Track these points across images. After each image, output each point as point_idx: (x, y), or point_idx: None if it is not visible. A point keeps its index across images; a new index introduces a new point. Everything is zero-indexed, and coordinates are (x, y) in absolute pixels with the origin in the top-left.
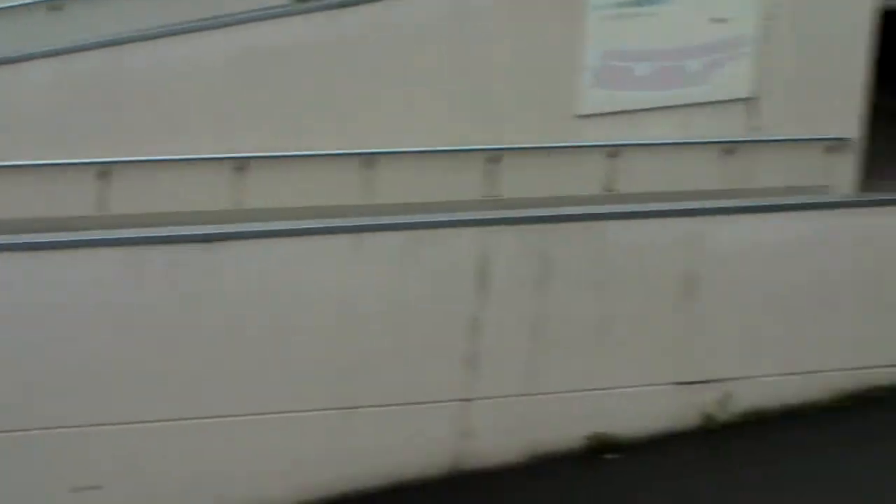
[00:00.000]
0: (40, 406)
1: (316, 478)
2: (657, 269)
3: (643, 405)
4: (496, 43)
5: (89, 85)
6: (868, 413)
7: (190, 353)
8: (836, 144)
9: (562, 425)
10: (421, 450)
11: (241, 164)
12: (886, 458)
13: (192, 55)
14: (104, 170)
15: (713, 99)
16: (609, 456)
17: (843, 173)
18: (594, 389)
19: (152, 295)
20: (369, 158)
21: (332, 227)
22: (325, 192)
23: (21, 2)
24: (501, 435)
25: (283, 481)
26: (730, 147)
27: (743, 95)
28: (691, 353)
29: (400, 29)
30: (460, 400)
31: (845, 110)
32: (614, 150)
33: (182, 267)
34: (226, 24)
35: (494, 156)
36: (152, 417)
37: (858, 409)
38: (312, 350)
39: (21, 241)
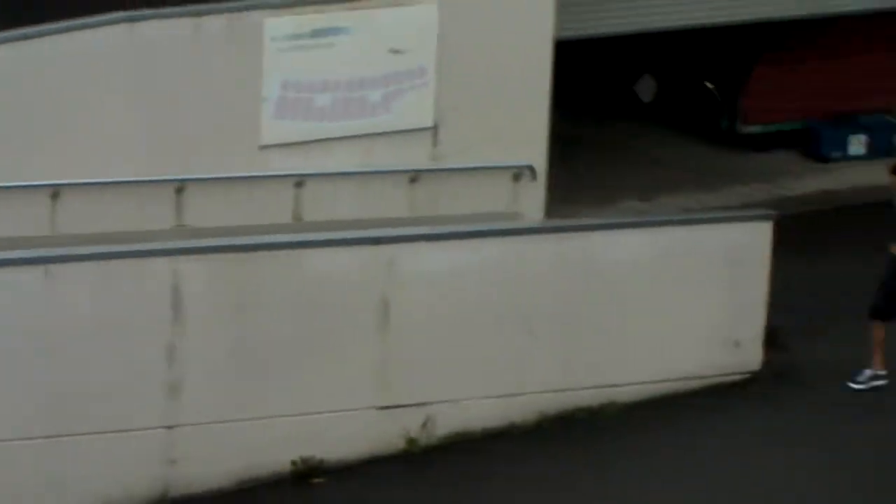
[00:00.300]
0: None
1: None
2: (352, 296)
3: (347, 429)
4: (180, 74)
5: None
6: (569, 434)
7: None
8: (522, 172)
9: (268, 451)
10: (128, 477)
11: None
12: (584, 478)
13: None
14: None
15: (395, 128)
16: (316, 480)
17: (532, 199)
18: (298, 415)
19: None
20: (56, 189)
21: (22, 259)
22: (12, 224)
23: None
24: (208, 461)
25: None
26: (414, 175)
27: (425, 125)
28: (391, 377)
29: (83, 59)
30: (164, 427)
31: (530, 138)
32: (300, 180)
33: None
34: None
35: (182, 186)
36: None
37: (560, 431)
38: (14, 380)
39: None
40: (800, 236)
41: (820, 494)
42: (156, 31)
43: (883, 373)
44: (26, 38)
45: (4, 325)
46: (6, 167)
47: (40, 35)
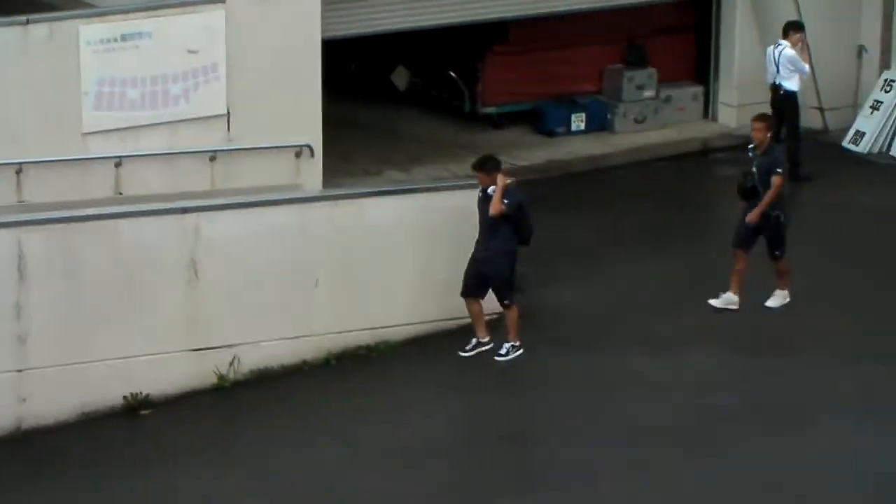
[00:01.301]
0: None
1: None
2: (166, 258)
3: (168, 369)
4: (12, 75)
5: None
6: (347, 367)
7: None
8: (301, 150)
9: (102, 388)
10: None
11: None
12: (362, 401)
13: None
14: None
15: (194, 116)
16: (144, 412)
17: (311, 173)
18: (126, 357)
19: None
20: None
21: None
22: None
23: None
24: (53, 399)
25: None
26: (213, 155)
27: (218, 112)
28: (201, 324)
29: None
30: (15, 371)
31: (307, 121)
32: (118, 162)
33: None
34: None
35: (19, 168)
36: None
37: (341, 365)
38: None
39: None
40: (532, 198)
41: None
42: None
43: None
44: None
45: None
46: None
47: None
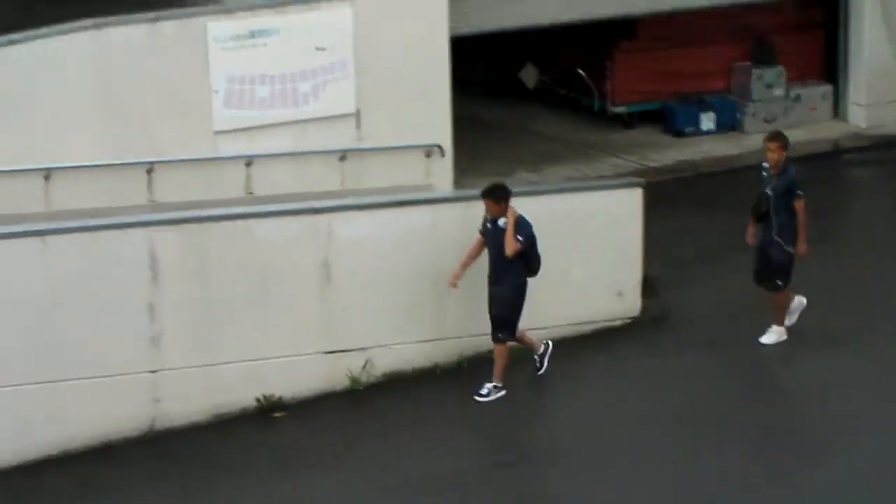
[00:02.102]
0: None
1: (36, 441)
2: (299, 258)
3: (301, 371)
4: (143, 72)
5: None
6: (479, 370)
7: None
8: (432, 149)
9: (235, 390)
10: (121, 414)
11: None
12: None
13: None
14: None
15: (323, 115)
16: (277, 414)
17: (441, 173)
18: (259, 359)
19: None
20: (48, 172)
21: (18, 232)
22: (9, 201)
23: None
24: (186, 400)
25: (5, 447)
26: (342, 154)
27: (348, 111)
28: (334, 326)
29: (60, 62)
30: (149, 372)
31: (437, 120)
32: (249, 160)
33: None
34: None
35: (150, 167)
36: None
37: (476, 369)
38: (15, 337)
39: None
40: (665, 199)
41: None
42: (119, 35)
43: None
44: (12, 43)
45: (5, 291)
46: (6, 153)
47: (26, 40)
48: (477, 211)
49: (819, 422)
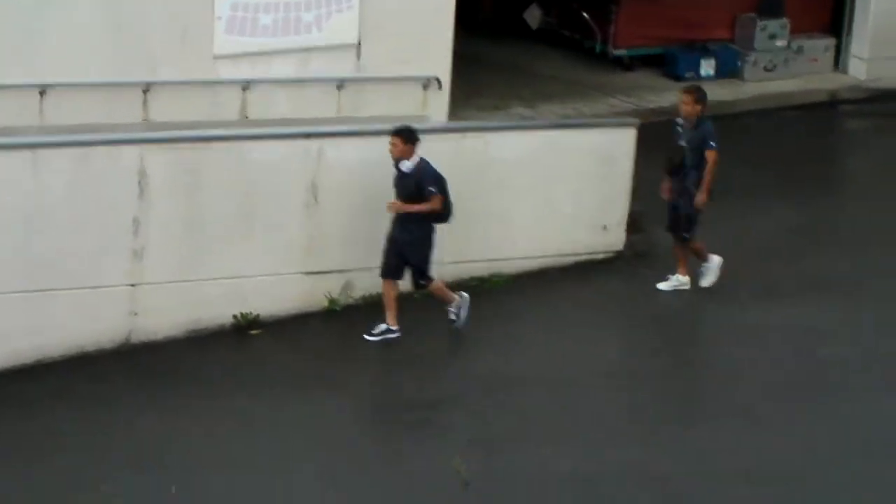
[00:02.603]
0: None
1: (14, 348)
2: (287, 181)
3: (281, 290)
4: None
5: None
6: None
7: None
8: (429, 81)
9: (214, 306)
10: (99, 325)
11: None
12: (471, 332)
13: None
14: None
15: (325, 44)
16: (253, 331)
17: (438, 106)
18: (239, 277)
19: None
20: (44, 88)
21: (9, 144)
22: (6, 114)
23: None
24: (165, 314)
25: None
26: (340, 83)
27: (350, 41)
28: (317, 247)
29: None
30: (129, 285)
31: (437, 55)
32: (246, 85)
33: None
34: None
35: (148, 87)
36: None
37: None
38: (5, 246)
39: None
40: (657, 141)
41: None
42: None
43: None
44: None
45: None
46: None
47: None
48: (470, 143)
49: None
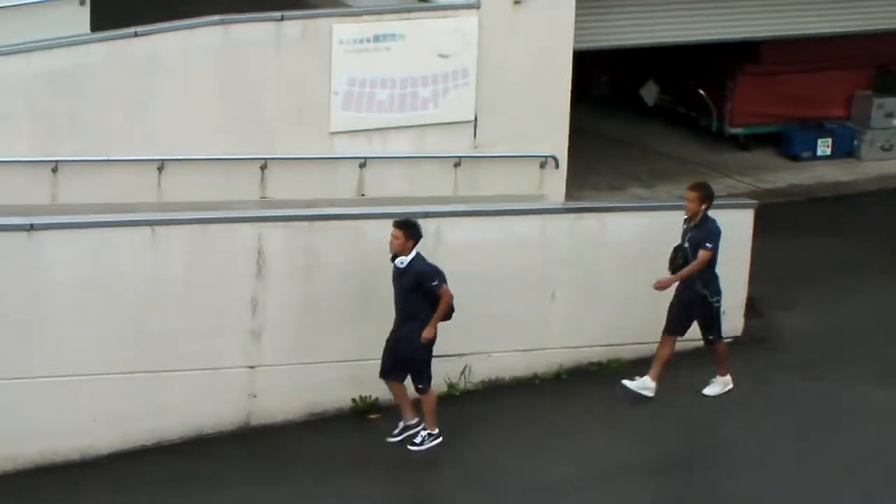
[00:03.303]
0: None
1: (133, 430)
2: None
3: None
4: (265, 70)
5: None
6: (579, 382)
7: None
8: (546, 161)
9: (332, 389)
10: (217, 408)
11: (55, 167)
12: (591, 418)
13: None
14: None
15: (442, 121)
16: (372, 416)
17: (554, 185)
18: (356, 360)
19: None
20: (162, 163)
21: (129, 221)
22: (125, 190)
23: None
24: (283, 397)
25: (104, 434)
26: (457, 161)
27: (467, 118)
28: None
29: (187, 54)
30: (247, 367)
31: (553, 132)
32: (363, 162)
33: (8, 251)
34: (34, 49)
35: (265, 164)
36: None
37: (573, 380)
38: (122, 325)
39: None
40: (775, 222)
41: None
42: (245, 32)
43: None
44: (136, 35)
45: (117, 277)
46: (119, 143)
47: (150, 33)
48: (587, 224)
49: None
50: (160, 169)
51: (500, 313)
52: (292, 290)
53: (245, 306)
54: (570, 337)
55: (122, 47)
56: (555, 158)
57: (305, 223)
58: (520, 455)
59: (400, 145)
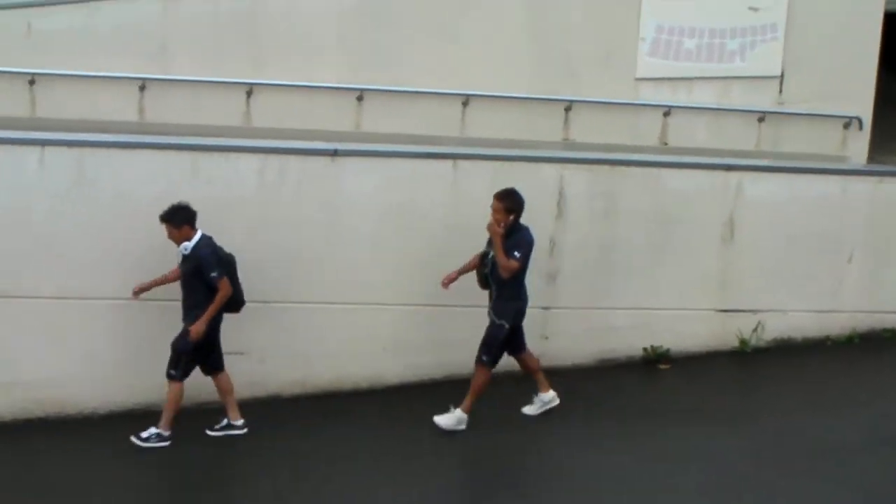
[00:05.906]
0: None
1: (422, 363)
2: (702, 213)
3: (691, 326)
4: (573, 12)
5: (241, 22)
6: (872, 348)
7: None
8: (850, 121)
9: (624, 337)
10: None
11: (361, 95)
12: (881, 385)
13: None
14: (249, 90)
15: (748, 74)
16: (662, 366)
17: (857, 146)
18: (650, 308)
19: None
20: (467, 98)
21: (436, 153)
22: (429, 124)
23: None
24: (574, 340)
25: (393, 360)
26: (762, 116)
27: (773, 73)
28: (730, 284)
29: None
30: (541, 308)
31: (859, 93)
32: (667, 110)
33: (312, 176)
34: None
35: (570, 105)
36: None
37: (865, 345)
38: (421, 254)
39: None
40: None
41: None
42: None
43: None
44: None
45: (419, 207)
46: (425, 76)
47: None
48: (890, 187)
49: None
50: (464, 104)
51: (795, 271)
52: (589, 234)
53: (544, 247)
54: (864, 301)
55: None
56: (859, 120)
57: (607, 167)
58: (808, 415)
59: (704, 96)
